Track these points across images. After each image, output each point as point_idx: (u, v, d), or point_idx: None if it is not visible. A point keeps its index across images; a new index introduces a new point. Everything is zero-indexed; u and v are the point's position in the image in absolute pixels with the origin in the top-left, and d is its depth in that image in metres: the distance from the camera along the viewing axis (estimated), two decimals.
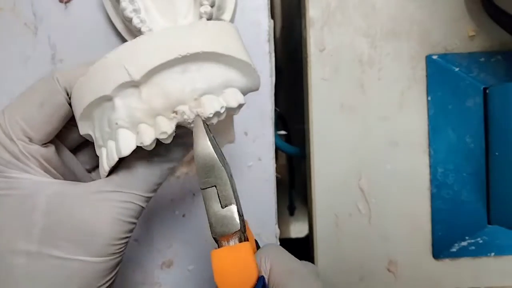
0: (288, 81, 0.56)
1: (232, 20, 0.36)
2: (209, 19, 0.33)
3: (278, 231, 0.38)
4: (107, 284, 0.23)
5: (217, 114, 0.22)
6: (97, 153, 0.24)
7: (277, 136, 0.41)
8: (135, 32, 0.34)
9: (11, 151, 0.23)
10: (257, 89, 0.26)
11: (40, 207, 0.22)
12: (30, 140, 0.23)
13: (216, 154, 0.22)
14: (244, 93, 0.25)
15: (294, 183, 0.57)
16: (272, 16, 0.39)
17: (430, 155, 0.39)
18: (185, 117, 0.22)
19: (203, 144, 0.22)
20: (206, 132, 0.22)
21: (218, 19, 0.34)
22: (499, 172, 0.37)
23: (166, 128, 0.22)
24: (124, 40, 0.36)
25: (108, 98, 0.22)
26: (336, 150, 0.39)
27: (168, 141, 0.22)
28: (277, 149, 0.41)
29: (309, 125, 0.39)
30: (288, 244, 0.43)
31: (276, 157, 0.39)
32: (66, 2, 0.36)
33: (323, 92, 0.38)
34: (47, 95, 0.24)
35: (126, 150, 0.22)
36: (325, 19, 0.38)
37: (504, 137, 0.36)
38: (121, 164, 0.24)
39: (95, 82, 0.22)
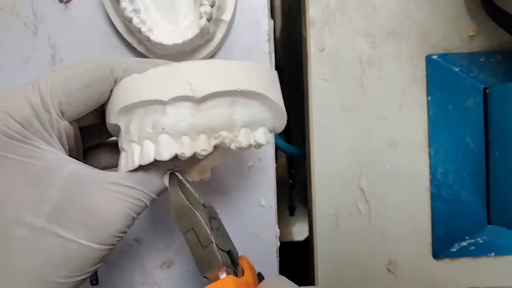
0: (288, 81, 0.56)
1: (232, 20, 0.36)
2: (209, 19, 0.33)
3: (278, 231, 0.38)
4: (92, 271, 0.23)
5: (248, 147, 0.25)
6: (124, 146, 0.25)
7: (277, 136, 0.41)
8: (135, 32, 0.34)
9: (42, 120, 0.23)
10: (279, 132, 0.29)
11: (58, 183, 0.22)
12: (62, 115, 0.23)
13: (189, 202, 0.25)
14: (270, 132, 0.28)
15: (294, 183, 0.57)
16: (272, 16, 0.39)
17: (430, 155, 0.39)
18: (224, 141, 0.24)
19: (176, 196, 0.25)
20: (179, 183, 0.26)
21: (218, 19, 0.34)
22: (499, 172, 0.37)
23: (207, 146, 0.24)
24: (124, 40, 0.36)
25: (161, 103, 0.23)
26: (336, 150, 0.39)
27: (201, 157, 0.25)
28: (277, 149, 0.41)
29: (309, 125, 0.39)
30: (288, 247, 0.43)
31: (276, 157, 0.39)
32: (66, 2, 0.36)
33: (323, 92, 0.38)
34: (97, 79, 0.24)
35: (167, 155, 0.23)
36: (325, 19, 0.38)
37: (504, 137, 0.36)
38: (142, 165, 0.25)
39: (153, 85, 0.23)
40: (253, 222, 0.38)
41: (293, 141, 0.53)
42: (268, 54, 0.37)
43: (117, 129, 0.26)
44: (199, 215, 0.25)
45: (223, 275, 0.25)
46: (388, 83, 0.38)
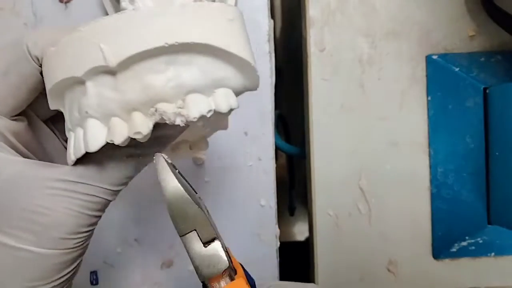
0: (288, 81, 0.56)
1: None
2: None
3: (278, 231, 0.38)
4: (65, 277, 0.21)
5: (202, 118, 0.19)
6: (66, 134, 0.22)
7: (277, 136, 0.41)
8: None
9: None
10: (255, 89, 0.22)
11: None
12: None
13: (188, 193, 0.20)
14: (239, 93, 0.21)
15: (294, 183, 0.57)
16: (272, 16, 0.39)
17: (430, 155, 0.39)
18: (165, 117, 0.19)
19: (172, 188, 0.19)
20: (172, 171, 0.19)
21: None
22: (499, 172, 0.37)
23: (142, 127, 0.19)
24: None
25: (80, 81, 0.19)
26: (336, 150, 0.39)
27: (144, 141, 0.20)
28: (277, 149, 0.41)
29: (309, 125, 0.39)
30: (288, 247, 0.43)
31: (276, 157, 0.39)
32: (66, 2, 0.36)
33: (323, 92, 0.38)
34: (13, 64, 0.21)
35: (94, 146, 0.19)
36: (325, 19, 0.38)
37: (504, 137, 0.36)
38: (90, 153, 0.21)
39: (66, 58, 0.19)
40: (253, 222, 0.38)
41: (293, 141, 0.53)
42: (268, 54, 0.37)
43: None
44: (202, 211, 0.20)
45: (227, 280, 0.21)
46: (388, 83, 0.38)
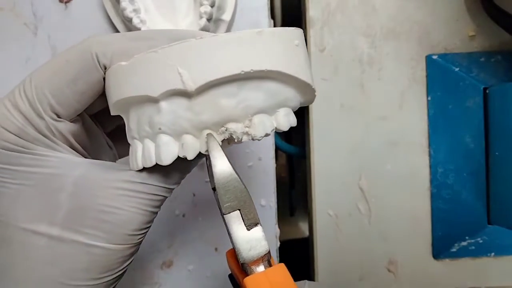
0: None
1: (232, 20, 0.36)
2: (209, 19, 0.33)
3: (278, 231, 0.38)
4: (125, 269, 0.23)
5: (266, 135, 0.21)
6: (129, 140, 0.23)
7: (277, 136, 0.41)
8: None
9: (37, 127, 0.21)
10: (309, 104, 0.24)
11: (67, 189, 0.21)
12: (58, 116, 0.22)
13: (238, 176, 0.21)
14: (296, 109, 0.23)
15: (294, 183, 0.57)
16: (272, 16, 0.39)
17: (430, 155, 0.39)
18: (234, 136, 0.20)
19: (223, 166, 0.20)
20: (223, 152, 0.20)
21: (218, 19, 0.34)
22: (499, 172, 0.37)
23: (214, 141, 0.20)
24: None
25: (153, 100, 0.20)
26: (336, 150, 0.39)
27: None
28: (277, 149, 0.41)
29: (309, 125, 0.39)
30: (288, 245, 0.43)
31: (276, 157, 0.39)
32: (66, 2, 0.36)
33: (323, 92, 0.38)
34: (82, 71, 0.22)
35: (168, 160, 0.20)
36: (325, 19, 0.38)
37: (504, 137, 0.36)
38: None
39: (139, 77, 0.20)
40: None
41: (293, 141, 0.53)
42: None
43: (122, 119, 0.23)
44: (248, 192, 0.20)
45: (266, 264, 0.21)
46: (388, 83, 0.38)
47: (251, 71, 0.19)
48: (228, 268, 0.24)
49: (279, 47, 0.20)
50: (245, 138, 0.20)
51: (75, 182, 0.21)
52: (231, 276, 0.24)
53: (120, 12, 0.33)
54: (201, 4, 0.32)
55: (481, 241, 0.39)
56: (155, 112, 0.20)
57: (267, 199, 0.38)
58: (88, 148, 0.25)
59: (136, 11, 0.33)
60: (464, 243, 0.39)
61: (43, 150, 0.22)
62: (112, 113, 0.23)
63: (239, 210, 0.21)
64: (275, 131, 0.22)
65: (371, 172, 0.39)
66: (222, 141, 0.21)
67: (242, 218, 0.21)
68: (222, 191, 0.20)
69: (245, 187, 0.21)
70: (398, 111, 0.39)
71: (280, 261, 0.39)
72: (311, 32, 0.38)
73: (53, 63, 0.22)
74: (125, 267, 0.23)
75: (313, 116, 0.38)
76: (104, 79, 0.22)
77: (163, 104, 0.20)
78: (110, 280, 0.22)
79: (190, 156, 0.20)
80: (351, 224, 0.39)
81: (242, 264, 0.21)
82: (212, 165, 0.20)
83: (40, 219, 0.21)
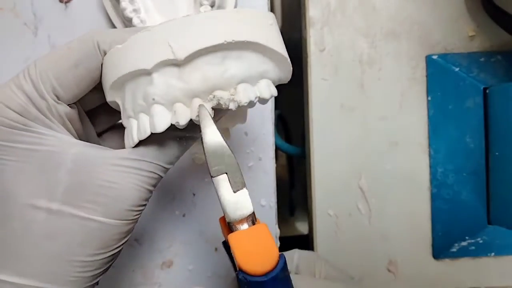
0: (288, 81, 0.56)
1: None
2: None
3: (278, 231, 0.38)
4: (120, 247, 0.24)
5: (250, 103, 0.23)
6: (124, 123, 0.25)
7: (277, 136, 0.41)
8: None
9: (39, 107, 0.22)
10: (286, 82, 0.26)
11: (65, 165, 0.22)
12: (58, 98, 0.23)
13: (225, 142, 0.23)
14: (276, 84, 0.25)
15: (294, 183, 0.57)
16: None
17: (430, 155, 0.39)
18: (222, 102, 0.22)
19: (212, 132, 0.22)
20: (213, 120, 0.22)
21: None
22: (499, 172, 0.37)
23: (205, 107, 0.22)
24: None
25: (147, 73, 0.22)
26: (336, 150, 0.39)
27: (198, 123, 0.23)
28: (277, 149, 0.41)
29: (309, 125, 0.39)
30: (288, 242, 0.43)
31: (276, 157, 0.39)
32: (66, 2, 0.36)
33: (323, 92, 0.38)
34: (84, 57, 0.23)
35: (161, 127, 0.22)
36: (325, 19, 0.38)
37: (504, 137, 0.36)
38: (148, 137, 0.24)
39: (135, 54, 0.22)
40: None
41: (293, 141, 0.53)
42: None
43: (118, 106, 0.25)
44: (235, 158, 0.23)
45: (249, 223, 0.23)
46: (388, 83, 0.38)
47: (233, 41, 0.22)
48: (222, 235, 0.26)
49: (256, 23, 0.23)
50: (231, 105, 0.22)
51: (73, 159, 0.22)
52: (224, 243, 0.25)
53: (120, 12, 0.33)
54: (201, 4, 0.32)
55: (481, 241, 0.39)
56: (149, 84, 0.22)
57: (267, 199, 0.38)
58: (82, 138, 0.26)
59: (136, 11, 0.33)
60: (464, 243, 0.39)
61: (42, 129, 0.23)
62: (108, 99, 0.24)
63: (226, 173, 0.23)
64: (260, 102, 0.24)
65: (371, 172, 0.39)
66: (215, 112, 0.23)
67: (229, 182, 0.23)
68: (211, 156, 0.22)
69: (232, 152, 0.23)
70: (398, 111, 0.39)
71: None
72: (311, 32, 0.38)
73: (57, 51, 0.24)
74: (121, 245, 0.24)
75: (313, 116, 0.39)
76: (102, 66, 0.24)
77: (156, 76, 0.22)
78: (106, 257, 0.23)
79: (182, 122, 0.22)
80: (351, 224, 0.39)
81: (229, 223, 0.23)
82: (202, 132, 0.22)
83: (40, 194, 0.22)
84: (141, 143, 0.24)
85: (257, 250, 0.22)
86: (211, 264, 0.38)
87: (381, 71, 0.38)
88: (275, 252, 0.22)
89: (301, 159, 0.44)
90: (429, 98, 0.38)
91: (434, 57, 0.38)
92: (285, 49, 0.25)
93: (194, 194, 0.38)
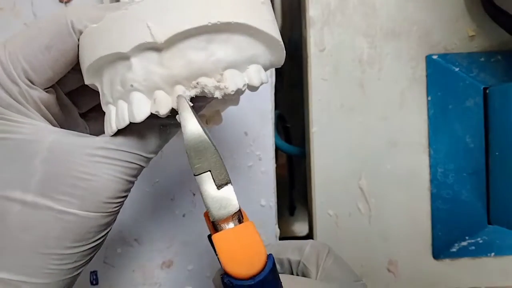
0: (288, 81, 0.56)
1: None
2: None
3: (278, 231, 0.38)
4: (101, 240, 0.23)
5: (238, 91, 0.21)
6: (103, 108, 0.23)
7: (277, 136, 0.41)
8: None
9: (10, 93, 0.21)
10: (279, 66, 0.24)
11: (41, 154, 0.21)
12: (32, 82, 0.22)
13: (207, 137, 0.21)
14: (267, 69, 0.23)
15: (294, 183, 0.57)
16: None
17: (430, 155, 0.39)
18: (206, 90, 0.20)
19: (193, 126, 0.20)
20: (193, 112, 0.20)
21: None
22: (499, 172, 0.37)
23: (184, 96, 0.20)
24: None
25: (124, 56, 0.20)
26: (336, 150, 0.39)
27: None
28: (277, 149, 0.41)
29: (309, 125, 0.39)
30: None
31: (276, 157, 0.39)
32: (66, 2, 0.36)
33: (323, 92, 0.38)
34: (57, 38, 0.22)
35: (140, 116, 0.21)
36: (325, 19, 0.38)
37: (504, 137, 0.36)
38: (128, 124, 0.23)
39: (111, 35, 0.20)
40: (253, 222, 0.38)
41: (293, 141, 0.53)
42: None
43: (96, 88, 0.23)
44: (218, 154, 0.21)
45: (235, 222, 0.21)
46: (388, 83, 0.38)
47: (218, 23, 0.19)
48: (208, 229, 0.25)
49: (245, 2, 0.21)
50: (217, 93, 0.20)
51: (49, 147, 0.21)
52: (209, 237, 0.24)
53: None
54: None
55: (481, 241, 0.39)
56: (127, 69, 0.20)
57: (267, 199, 0.38)
58: (62, 123, 0.24)
59: None
60: (464, 243, 0.39)
61: (16, 117, 0.21)
62: (86, 82, 0.23)
63: (210, 171, 0.21)
64: (249, 89, 0.22)
65: (371, 172, 0.39)
66: (199, 100, 0.21)
67: (213, 179, 0.21)
68: (192, 153, 0.20)
69: (215, 147, 0.21)
70: (398, 111, 0.39)
71: None
72: (311, 32, 0.38)
73: (27, 31, 0.22)
74: (101, 238, 0.23)
75: (313, 116, 0.38)
76: (78, 47, 0.22)
77: (134, 60, 0.20)
78: (85, 250, 0.22)
79: (163, 111, 0.20)
80: (351, 224, 0.39)
81: (213, 222, 0.21)
82: (182, 126, 0.20)
83: (14, 185, 0.21)
84: (120, 131, 0.22)
85: (243, 251, 0.20)
86: (211, 264, 0.38)
87: (381, 71, 0.38)
88: (263, 253, 0.21)
89: (301, 159, 0.44)
90: (429, 98, 0.38)
91: (434, 57, 0.38)
92: (278, 30, 0.22)
93: (194, 194, 0.38)
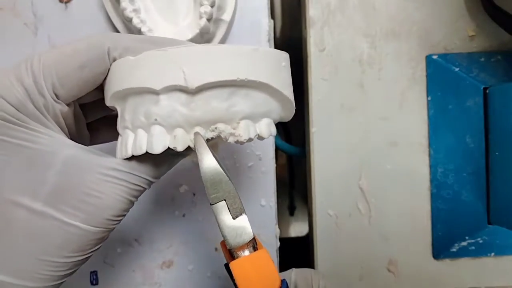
0: (289, 120, 0.56)
1: (232, 20, 0.36)
2: (209, 19, 0.33)
3: (278, 231, 0.38)
4: (94, 250, 0.24)
5: (249, 140, 0.23)
6: (119, 131, 0.25)
7: (277, 136, 0.41)
8: (135, 32, 0.34)
9: (36, 104, 0.22)
10: (287, 120, 0.27)
11: (55, 166, 0.22)
12: (57, 97, 0.23)
13: (222, 170, 0.23)
14: (276, 122, 0.26)
15: (294, 183, 0.57)
16: (272, 16, 0.39)
17: (430, 155, 0.39)
18: (222, 135, 0.22)
19: (209, 160, 0.22)
20: (209, 149, 0.22)
21: (218, 19, 0.34)
22: (499, 172, 0.37)
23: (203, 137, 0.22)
24: None
25: (154, 92, 0.22)
26: (336, 150, 0.39)
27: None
28: (277, 149, 0.41)
29: (309, 125, 0.39)
30: (287, 243, 0.43)
31: (276, 157, 0.39)
32: (66, 2, 0.36)
33: (323, 92, 0.38)
34: (92, 60, 0.23)
35: (159, 149, 0.22)
36: (325, 19, 0.38)
37: (504, 137, 0.36)
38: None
39: (146, 71, 0.22)
40: (253, 222, 0.38)
41: (293, 141, 0.53)
42: None
43: (115, 109, 0.25)
44: (233, 185, 0.23)
45: (250, 249, 0.23)
46: (388, 83, 0.38)
47: (245, 80, 0.22)
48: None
49: (270, 64, 0.23)
50: (231, 139, 0.23)
51: (64, 161, 0.22)
52: (226, 265, 0.25)
53: (120, 12, 0.33)
54: (201, 4, 0.32)
55: (481, 241, 0.39)
56: (154, 103, 0.22)
57: (267, 199, 0.38)
58: (73, 134, 0.25)
59: (136, 11, 0.33)
60: (464, 243, 0.39)
61: (37, 126, 0.22)
62: (108, 103, 0.24)
63: (225, 200, 0.23)
64: (258, 138, 0.25)
65: (371, 172, 0.39)
66: (212, 141, 0.23)
67: (228, 208, 0.23)
68: (209, 184, 0.23)
69: (230, 179, 0.23)
70: (398, 111, 0.39)
71: (280, 260, 0.39)
72: (311, 32, 0.38)
73: (64, 48, 0.23)
74: (95, 249, 0.24)
75: (313, 116, 0.39)
76: (108, 71, 0.24)
77: (163, 98, 0.22)
78: (79, 260, 0.23)
79: (180, 148, 0.22)
80: (351, 224, 0.39)
81: (229, 250, 0.23)
82: (199, 160, 0.22)
83: (25, 192, 0.22)
84: (133, 156, 0.24)
85: (259, 277, 0.22)
86: (211, 264, 0.38)
87: (381, 71, 0.38)
88: (277, 279, 0.22)
89: (301, 159, 0.44)
90: (429, 98, 0.38)
91: (434, 57, 0.38)
92: (292, 91, 0.25)
93: (194, 194, 0.38)
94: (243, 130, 0.23)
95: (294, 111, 0.26)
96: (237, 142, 0.23)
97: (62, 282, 0.23)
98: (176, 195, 0.38)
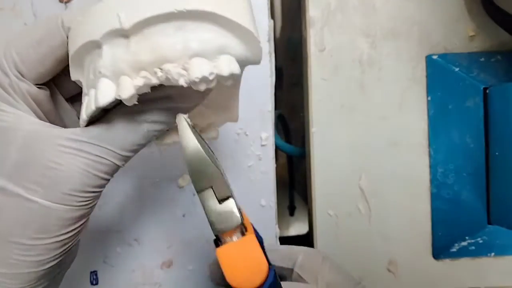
0: (288, 81, 0.56)
1: None
2: None
3: (278, 231, 0.38)
4: (69, 235, 0.22)
5: (204, 79, 0.20)
6: (83, 101, 0.23)
7: (277, 136, 0.41)
8: None
9: (1, 84, 0.22)
10: (257, 63, 0.23)
11: (16, 142, 0.22)
12: (22, 75, 0.23)
13: (206, 154, 0.21)
14: (242, 64, 0.22)
15: (294, 183, 0.57)
16: (272, 16, 0.39)
17: (430, 155, 0.39)
18: (169, 76, 0.20)
19: (192, 147, 0.21)
20: (192, 131, 0.21)
21: None
22: (499, 172, 0.37)
23: (146, 81, 0.20)
24: None
25: (98, 45, 0.21)
26: (336, 150, 0.39)
27: (145, 91, 0.21)
28: (277, 149, 0.41)
29: (309, 125, 0.39)
30: (287, 242, 0.43)
31: (276, 157, 0.39)
32: (66, 2, 0.36)
33: (323, 92, 0.38)
34: (47, 33, 0.23)
35: (104, 100, 0.20)
36: (325, 19, 0.38)
37: (504, 137, 0.36)
38: (103, 117, 0.23)
39: (88, 26, 0.21)
40: (253, 222, 0.38)
41: (293, 141, 0.53)
42: (268, 54, 0.37)
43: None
44: (219, 170, 0.21)
45: (238, 235, 0.22)
46: (388, 83, 0.38)
47: (185, 10, 0.19)
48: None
49: None
50: (182, 80, 0.20)
51: (25, 135, 0.22)
52: None
53: None
54: None
55: (481, 241, 0.39)
56: (98, 56, 0.21)
57: (267, 199, 0.38)
58: (57, 123, 0.25)
59: None
60: (464, 243, 0.39)
61: (3, 106, 0.22)
62: (72, 77, 0.23)
63: (211, 187, 0.21)
64: (220, 80, 0.22)
65: (371, 172, 0.39)
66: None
67: (215, 194, 0.22)
68: (193, 171, 0.21)
69: (215, 164, 0.21)
70: (398, 111, 0.39)
71: None
72: (311, 32, 0.38)
73: (24, 29, 0.23)
74: (66, 233, 0.22)
75: (313, 116, 0.38)
76: (67, 44, 0.23)
77: (105, 48, 0.20)
78: (49, 243, 0.22)
79: (124, 95, 0.20)
80: (351, 224, 0.39)
81: (216, 235, 0.22)
82: (181, 146, 0.21)
83: None
84: (94, 124, 0.22)
85: (245, 264, 0.21)
86: (210, 265, 0.38)
87: (381, 71, 0.38)
88: (264, 266, 0.21)
89: (301, 159, 0.44)
90: (429, 98, 0.38)
91: (434, 57, 0.38)
92: (254, 23, 0.22)
93: (194, 194, 0.38)
94: (196, 68, 0.20)
95: (262, 49, 0.23)
96: (191, 84, 0.20)
97: (45, 274, 0.22)
98: (176, 195, 0.38)
